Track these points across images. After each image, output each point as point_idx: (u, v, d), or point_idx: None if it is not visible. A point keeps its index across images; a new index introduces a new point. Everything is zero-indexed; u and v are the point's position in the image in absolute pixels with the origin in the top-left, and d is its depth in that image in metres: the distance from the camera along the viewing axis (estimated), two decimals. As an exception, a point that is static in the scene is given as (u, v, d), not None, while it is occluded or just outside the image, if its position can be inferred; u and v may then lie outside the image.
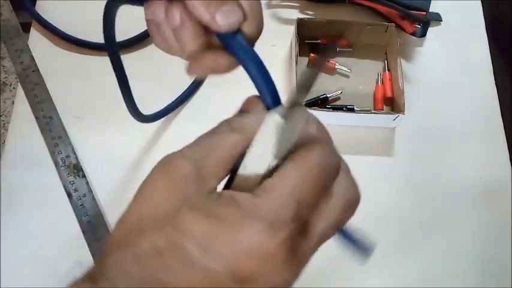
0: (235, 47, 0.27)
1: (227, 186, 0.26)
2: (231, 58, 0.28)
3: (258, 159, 0.24)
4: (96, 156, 0.53)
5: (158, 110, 0.54)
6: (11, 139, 0.54)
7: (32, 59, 0.57)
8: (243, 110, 0.27)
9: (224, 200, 0.23)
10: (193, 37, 0.28)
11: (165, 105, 0.55)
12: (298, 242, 0.23)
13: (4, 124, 1.19)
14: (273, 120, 0.24)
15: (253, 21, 0.28)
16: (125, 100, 0.44)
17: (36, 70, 0.56)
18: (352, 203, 0.26)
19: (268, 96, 0.27)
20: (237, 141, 0.25)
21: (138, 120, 0.48)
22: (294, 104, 0.25)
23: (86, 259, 0.48)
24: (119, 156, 0.53)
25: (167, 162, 0.25)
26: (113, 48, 0.39)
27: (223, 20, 0.26)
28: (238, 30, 0.27)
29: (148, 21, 0.30)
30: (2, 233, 0.49)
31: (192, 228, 0.22)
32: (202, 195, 0.23)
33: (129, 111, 0.46)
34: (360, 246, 0.28)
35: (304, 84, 0.25)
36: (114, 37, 0.37)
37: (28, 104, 0.55)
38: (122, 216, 0.24)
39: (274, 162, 0.24)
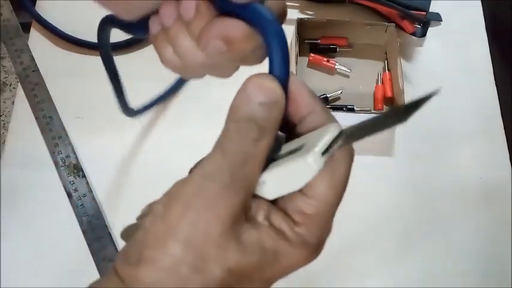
0: (256, 14, 0.24)
1: None
2: (246, 27, 0.24)
3: (291, 176, 0.23)
4: (96, 156, 0.53)
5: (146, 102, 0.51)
6: (11, 139, 0.54)
7: (32, 59, 0.57)
8: (256, 99, 0.23)
9: (267, 231, 0.23)
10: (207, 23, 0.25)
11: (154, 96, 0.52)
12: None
13: (4, 124, 1.19)
14: (315, 156, 0.22)
15: None
16: (115, 93, 0.42)
17: (36, 70, 0.56)
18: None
19: (282, 73, 0.24)
20: (271, 143, 0.23)
21: (127, 115, 0.47)
22: (345, 141, 0.23)
23: (86, 259, 0.49)
24: (119, 156, 0.53)
25: (204, 194, 0.22)
26: (108, 64, 0.39)
27: None
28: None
29: (154, 37, 0.28)
30: (2, 233, 0.49)
31: (247, 273, 0.22)
32: (248, 233, 0.22)
33: (119, 105, 0.44)
34: None
35: (371, 128, 0.22)
36: (111, 57, 0.37)
37: (28, 104, 0.55)
38: (157, 256, 0.22)
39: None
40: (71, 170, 0.52)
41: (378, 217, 0.53)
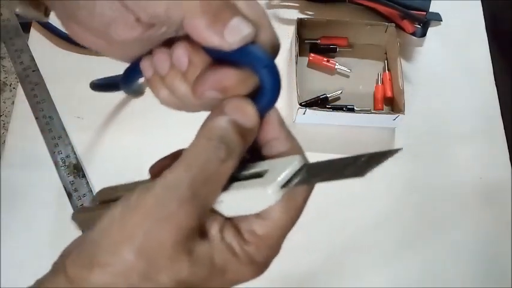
0: (251, 57, 0.25)
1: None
2: (239, 73, 0.25)
3: (249, 201, 0.24)
4: (96, 156, 0.53)
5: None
6: (11, 139, 0.54)
7: (32, 59, 0.57)
8: (234, 118, 0.24)
9: (218, 245, 0.24)
10: (201, 73, 0.26)
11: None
12: None
13: (4, 124, 1.19)
14: (275, 188, 0.23)
15: (267, 28, 0.27)
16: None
17: (36, 70, 0.56)
18: None
19: (265, 106, 0.26)
20: (235, 165, 0.24)
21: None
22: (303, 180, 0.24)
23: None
24: (119, 156, 0.53)
25: (162, 206, 0.22)
26: None
27: (232, 36, 0.24)
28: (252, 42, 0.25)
29: (149, 80, 0.28)
30: (2, 233, 0.49)
31: (194, 284, 0.23)
32: (200, 247, 0.23)
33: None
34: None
35: (332, 172, 0.24)
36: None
37: (28, 104, 0.55)
38: (109, 260, 0.22)
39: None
40: (71, 170, 0.52)
41: (377, 217, 0.53)
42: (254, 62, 0.25)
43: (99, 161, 0.53)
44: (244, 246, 0.24)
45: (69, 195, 0.51)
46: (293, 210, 0.24)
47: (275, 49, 0.27)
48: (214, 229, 0.24)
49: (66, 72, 0.58)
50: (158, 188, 0.23)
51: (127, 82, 0.31)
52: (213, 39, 0.24)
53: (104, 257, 0.22)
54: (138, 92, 0.38)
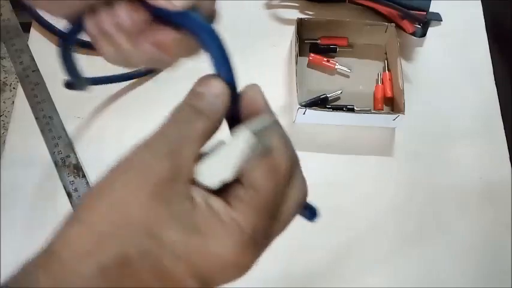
0: (193, 23, 0.26)
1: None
2: (176, 34, 0.27)
3: (223, 158, 0.24)
4: (96, 156, 0.53)
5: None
6: (11, 139, 0.54)
7: (32, 59, 0.57)
8: (199, 91, 0.25)
9: (202, 209, 0.23)
10: (142, 28, 0.28)
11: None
12: (264, 246, 0.24)
13: (4, 124, 1.19)
14: (244, 134, 0.23)
15: (206, 2, 0.28)
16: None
17: (36, 70, 0.56)
18: (304, 198, 0.27)
19: (226, 72, 0.26)
20: (208, 127, 0.24)
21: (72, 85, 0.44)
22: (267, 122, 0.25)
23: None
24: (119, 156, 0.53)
25: (139, 160, 0.23)
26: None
27: (180, 1, 0.26)
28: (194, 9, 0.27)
29: (93, 37, 0.29)
30: (2, 233, 0.49)
31: (169, 239, 0.22)
32: (180, 202, 0.22)
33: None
34: (306, 209, 0.29)
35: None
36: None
37: (28, 104, 0.55)
38: (85, 216, 0.22)
39: (237, 168, 0.24)
40: (71, 170, 0.52)
41: (377, 217, 0.53)
42: (195, 26, 0.27)
43: (99, 161, 0.53)
44: (230, 212, 0.23)
45: (69, 195, 0.51)
46: (276, 177, 0.24)
47: (213, 16, 0.29)
48: (199, 196, 0.23)
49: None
50: (136, 146, 0.24)
51: (71, 40, 0.32)
52: (161, 3, 0.26)
53: (81, 213, 0.23)
54: (81, 83, 0.40)
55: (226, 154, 0.24)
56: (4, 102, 1.23)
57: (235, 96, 0.26)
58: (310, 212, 0.29)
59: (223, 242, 0.22)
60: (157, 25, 0.28)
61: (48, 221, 0.50)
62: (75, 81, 0.41)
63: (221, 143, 0.24)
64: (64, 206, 0.51)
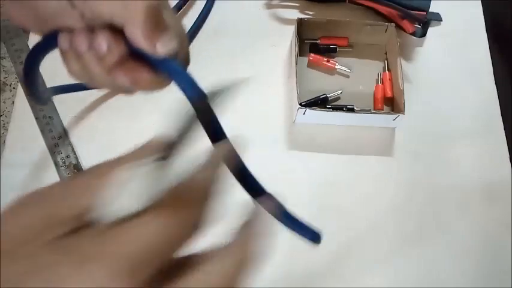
0: (172, 70, 0.29)
1: None
2: (155, 74, 0.29)
3: (128, 199, 0.22)
4: (96, 156, 0.53)
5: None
6: (11, 139, 0.54)
7: None
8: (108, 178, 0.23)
9: (69, 241, 0.21)
10: (118, 60, 0.29)
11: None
12: None
13: (4, 124, 1.19)
14: (149, 166, 0.23)
15: (185, 45, 0.30)
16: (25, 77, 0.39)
17: None
18: None
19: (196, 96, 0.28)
20: (87, 207, 0.22)
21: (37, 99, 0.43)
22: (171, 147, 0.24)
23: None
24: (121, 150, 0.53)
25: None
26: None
27: (162, 48, 0.28)
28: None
29: (64, 51, 0.30)
30: (2, 233, 0.49)
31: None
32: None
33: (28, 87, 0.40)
34: (307, 232, 0.29)
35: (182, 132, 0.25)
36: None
37: (28, 104, 0.55)
38: None
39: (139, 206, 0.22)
40: (71, 170, 0.52)
41: (377, 217, 0.53)
42: (174, 74, 0.28)
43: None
44: (96, 240, 0.21)
45: None
46: (161, 223, 0.21)
47: (188, 60, 0.31)
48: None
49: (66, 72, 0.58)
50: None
51: (41, 51, 0.33)
52: (146, 47, 0.28)
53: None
54: (44, 98, 0.41)
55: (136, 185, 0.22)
56: (4, 102, 1.23)
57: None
58: (313, 236, 0.29)
59: (87, 275, 0.19)
60: (133, 60, 0.29)
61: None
62: (37, 95, 0.41)
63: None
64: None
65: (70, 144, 0.53)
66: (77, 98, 0.57)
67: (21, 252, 0.20)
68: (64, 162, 0.52)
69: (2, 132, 1.17)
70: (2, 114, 1.22)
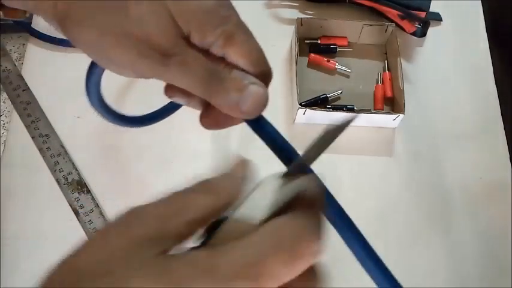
0: (258, 127, 0.29)
1: (204, 243, 0.23)
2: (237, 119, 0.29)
3: (246, 219, 0.22)
4: (97, 159, 0.53)
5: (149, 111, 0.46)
6: (11, 139, 0.54)
7: (22, 78, 0.56)
8: (229, 173, 0.24)
9: (178, 257, 0.20)
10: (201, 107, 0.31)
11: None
12: None
13: (4, 124, 1.19)
14: (270, 183, 0.23)
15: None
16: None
17: (26, 89, 0.55)
18: None
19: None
20: (210, 204, 0.22)
21: (115, 122, 0.42)
22: (300, 166, 0.25)
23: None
24: (121, 159, 0.53)
25: (128, 217, 0.22)
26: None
27: (250, 115, 0.28)
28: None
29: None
30: (2, 233, 0.49)
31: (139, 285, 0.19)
32: (154, 260, 0.20)
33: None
34: None
35: (321, 145, 0.25)
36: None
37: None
38: (51, 270, 0.21)
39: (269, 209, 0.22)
40: (75, 186, 0.51)
41: (377, 217, 0.53)
42: (256, 126, 0.29)
43: (100, 164, 0.53)
44: (209, 256, 0.20)
45: (76, 213, 0.50)
46: (276, 238, 0.22)
47: (269, 78, 0.30)
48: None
49: (66, 72, 0.58)
50: (136, 206, 0.23)
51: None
52: (235, 115, 0.28)
53: (75, 251, 0.23)
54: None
55: (256, 199, 0.23)
56: (4, 102, 1.23)
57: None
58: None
59: None
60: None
61: (48, 221, 0.51)
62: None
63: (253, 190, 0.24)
64: (64, 207, 0.51)
65: (70, 160, 0.52)
66: (79, 98, 0.57)
67: (141, 259, 0.20)
68: (66, 180, 0.51)
69: (2, 132, 1.17)
70: (2, 114, 1.22)
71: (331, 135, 0.24)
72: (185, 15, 0.27)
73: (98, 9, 0.26)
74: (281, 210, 0.23)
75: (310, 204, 0.23)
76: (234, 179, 0.24)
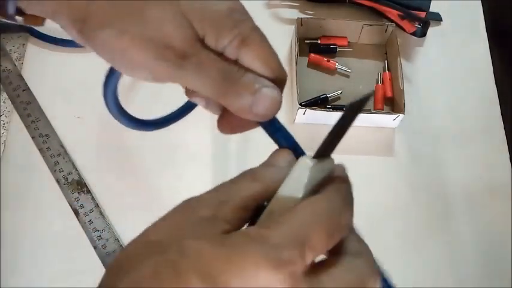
0: (272, 130, 0.29)
1: (252, 223, 0.26)
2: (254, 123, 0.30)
3: (287, 199, 0.25)
4: (97, 159, 0.53)
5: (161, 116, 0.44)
6: (11, 139, 0.54)
7: (22, 78, 0.56)
8: (270, 162, 0.27)
9: (233, 233, 0.23)
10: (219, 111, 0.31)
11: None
12: (301, 282, 0.22)
13: (4, 124, 1.19)
14: (304, 163, 0.25)
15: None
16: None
17: (26, 89, 0.55)
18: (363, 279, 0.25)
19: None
20: (257, 190, 0.25)
21: (128, 126, 0.40)
22: (322, 154, 0.26)
23: (86, 259, 0.48)
24: (121, 159, 0.53)
25: (186, 204, 0.25)
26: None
27: (264, 118, 0.28)
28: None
29: None
30: (2, 234, 0.49)
31: (196, 253, 0.22)
32: (212, 232, 0.23)
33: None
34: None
35: (337, 134, 0.26)
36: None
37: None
38: (126, 245, 0.24)
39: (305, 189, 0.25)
40: (75, 186, 0.51)
41: (377, 217, 0.53)
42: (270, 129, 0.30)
43: (101, 164, 0.53)
44: (259, 229, 0.23)
45: (76, 212, 0.50)
46: (318, 208, 0.24)
47: (283, 81, 0.31)
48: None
49: (66, 72, 0.58)
50: (188, 198, 0.26)
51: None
52: (250, 118, 0.28)
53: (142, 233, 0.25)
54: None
55: (292, 179, 0.25)
56: (4, 102, 1.23)
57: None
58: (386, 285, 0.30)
59: (251, 259, 0.21)
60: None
61: (48, 221, 0.50)
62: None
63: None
64: (64, 207, 0.51)
65: (70, 160, 0.52)
66: (78, 98, 0.57)
67: (201, 233, 0.23)
68: (66, 180, 0.51)
69: (2, 132, 1.17)
70: (2, 114, 1.22)
71: (348, 117, 0.26)
72: (201, 17, 0.27)
73: (116, 12, 0.27)
74: (316, 188, 0.25)
75: (340, 182, 0.26)
76: (276, 167, 0.27)
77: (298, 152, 0.29)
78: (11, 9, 0.29)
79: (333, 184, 0.26)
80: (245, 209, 0.25)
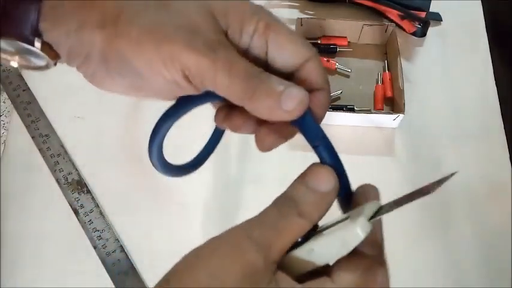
0: (305, 128, 0.29)
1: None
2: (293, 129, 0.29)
3: (321, 248, 0.25)
4: (97, 159, 0.53)
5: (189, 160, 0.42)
6: (11, 139, 0.54)
7: (22, 78, 0.56)
8: (311, 185, 0.27)
9: None
10: (253, 129, 0.30)
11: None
12: None
13: (4, 124, 1.19)
14: (357, 235, 0.24)
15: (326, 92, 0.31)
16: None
17: (26, 89, 0.56)
18: None
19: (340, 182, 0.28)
20: (303, 227, 0.25)
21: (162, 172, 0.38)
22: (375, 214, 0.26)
23: (86, 259, 0.49)
24: (121, 159, 0.53)
25: (234, 240, 0.24)
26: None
27: (291, 115, 0.27)
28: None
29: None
30: (2, 233, 0.49)
31: None
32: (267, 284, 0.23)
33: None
34: None
35: (399, 203, 0.26)
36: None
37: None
38: (185, 281, 0.24)
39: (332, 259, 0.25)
40: (74, 186, 0.51)
41: (378, 217, 0.53)
42: (308, 134, 0.29)
43: (100, 164, 0.53)
44: None
45: (76, 212, 0.50)
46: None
47: (324, 82, 0.31)
48: (284, 282, 0.24)
49: (66, 72, 0.58)
50: (233, 228, 0.25)
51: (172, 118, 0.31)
52: (274, 117, 0.27)
53: (180, 278, 0.24)
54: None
55: (343, 238, 0.25)
56: (4, 102, 1.23)
57: (346, 184, 0.28)
58: None
59: None
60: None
61: (48, 221, 0.51)
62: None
63: (335, 224, 0.26)
64: (64, 207, 0.51)
65: (70, 160, 0.52)
66: (79, 98, 0.57)
67: None
68: (66, 180, 0.51)
69: (2, 132, 1.17)
70: (2, 114, 1.22)
71: (417, 195, 0.26)
72: (224, 11, 0.27)
73: (145, 5, 0.27)
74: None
75: (374, 252, 0.26)
76: (321, 196, 0.26)
77: (339, 171, 0.28)
78: (33, 18, 0.26)
79: (365, 255, 0.26)
80: (289, 245, 0.25)
